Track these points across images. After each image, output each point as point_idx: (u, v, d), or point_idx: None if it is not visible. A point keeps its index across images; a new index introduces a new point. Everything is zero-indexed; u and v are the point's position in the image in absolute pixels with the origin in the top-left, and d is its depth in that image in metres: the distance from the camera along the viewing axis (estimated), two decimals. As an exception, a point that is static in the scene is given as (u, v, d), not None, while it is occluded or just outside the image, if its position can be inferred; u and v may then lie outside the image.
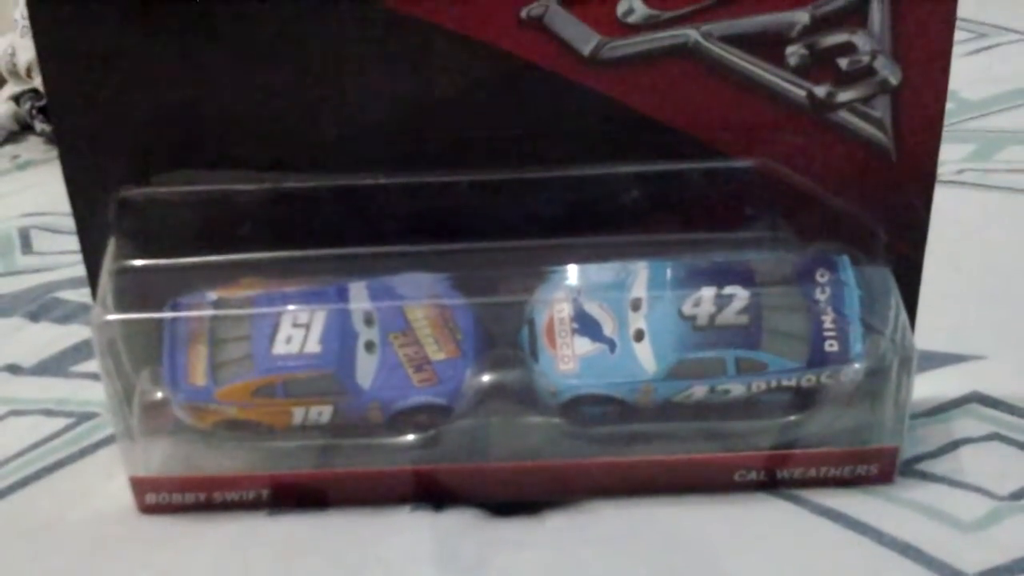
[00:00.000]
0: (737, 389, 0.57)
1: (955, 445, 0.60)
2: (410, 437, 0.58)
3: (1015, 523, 0.56)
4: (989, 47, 1.05)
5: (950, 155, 0.85)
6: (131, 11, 0.53)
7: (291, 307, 0.57)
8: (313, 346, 0.56)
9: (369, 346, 0.57)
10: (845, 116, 0.56)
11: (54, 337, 0.74)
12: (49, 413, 0.67)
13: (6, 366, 0.71)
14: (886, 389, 0.56)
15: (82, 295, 0.63)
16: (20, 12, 1.05)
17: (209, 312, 0.58)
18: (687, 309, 0.56)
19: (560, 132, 0.56)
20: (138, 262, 0.58)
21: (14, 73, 1.06)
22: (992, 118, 0.93)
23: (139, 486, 0.58)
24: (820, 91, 0.55)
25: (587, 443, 0.58)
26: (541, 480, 0.59)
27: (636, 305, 0.57)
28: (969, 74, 0.97)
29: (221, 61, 0.55)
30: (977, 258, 0.75)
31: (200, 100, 0.55)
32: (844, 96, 0.55)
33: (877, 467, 0.58)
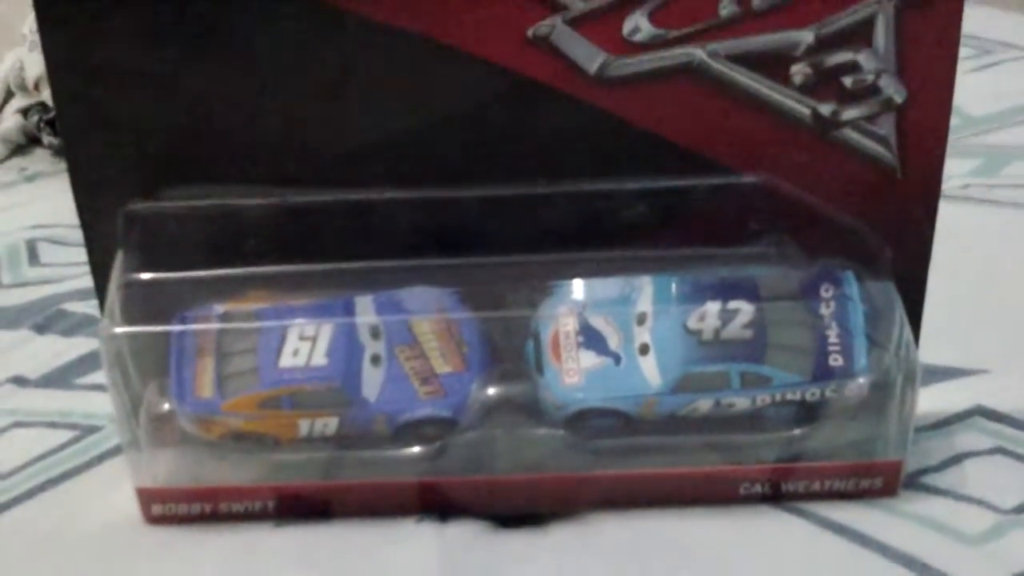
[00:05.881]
0: (742, 403, 0.57)
1: (959, 459, 0.61)
2: (416, 449, 0.58)
3: (1018, 536, 0.56)
4: (994, 63, 1.05)
5: (955, 170, 0.85)
6: (140, 26, 0.54)
7: (298, 320, 0.57)
8: (320, 359, 0.57)
9: (375, 359, 0.58)
10: (850, 134, 0.56)
11: (60, 349, 0.74)
12: (54, 425, 0.67)
13: (12, 378, 0.71)
14: (890, 403, 0.56)
15: (88, 307, 0.64)
16: (29, 27, 1.05)
17: (216, 325, 0.58)
18: (692, 323, 0.57)
19: (566, 149, 0.57)
20: (146, 275, 0.58)
21: (22, 87, 1.06)
22: (997, 134, 0.93)
23: (145, 497, 0.59)
24: (825, 109, 0.55)
25: (592, 456, 0.59)
26: (546, 492, 0.59)
27: (641, 319, 0.58)
28: (974, 90, 0.97)
29: (230, 77, 0.55)
30: (982, 272, 0.75)
31: (209, 115, 0.56)
32: (848, 114, 0.55)
33: (881, 480, 0.58)
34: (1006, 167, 0.89)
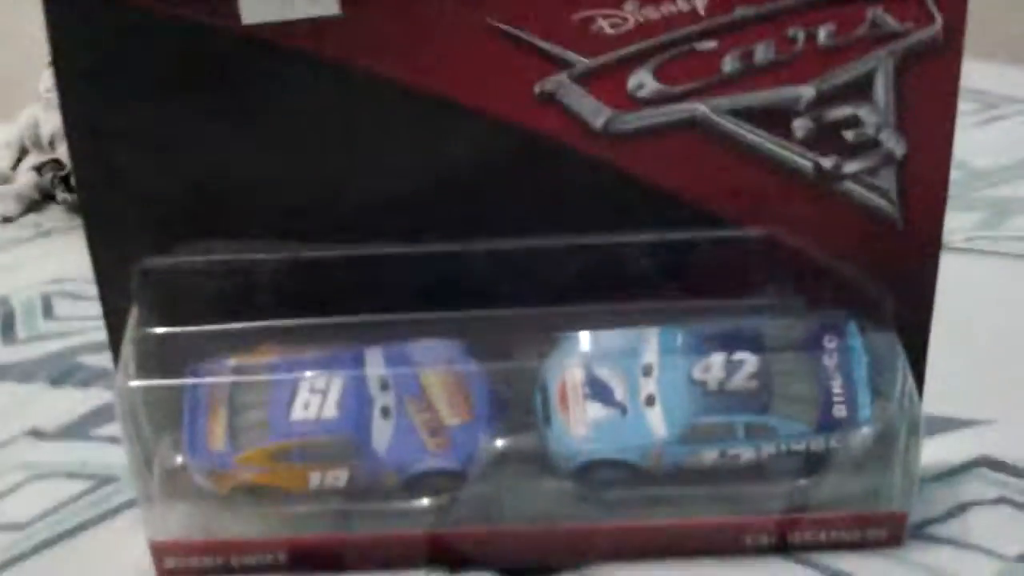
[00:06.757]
0: (747, 453, 0.57)
1: (963, 508, 0.61)
2: (425, 502, 0.59)
3: (1023, 586, 0.57)
4: (999, 118, 1.06)
5: (960, 223, 0.86)
6: (155, 87, 0.55)
7: (308, 373, 0.58)
8: (330, 411, 0.57)
9: (385, 411, 0.58)
10: (851, 187, 0.57)
11: (76, 401, 0.75)
12: (71, 476, 0.68)
13: (29, 430, 0.72)
14: (894, 454, 0.57)
15: (103, 360, 0.65)
16: (44, 86, 1.07)
17: (228, 378, 0.59)
18: (697, 375, 0.57)
19: (573, 203, 0.58)
20: (159, 330, 0.59)
21: (37, 144, 1.08)
22: (1001, 187, 0.94)
23: (159, 550, 0.59)
24: (826, 163, 0.56)
25: (600, 507, 0.59)
26: (555, 544, 0.59)
27: (647, 371, 0.58)
28: (979, 144, 0.98)
29: (242, 135, 0.56)
30: (987, 323, 0.76)
31: (221, 173, 0.57)
32: (850, 168, 0.56)
33: (886, 531, 0.59)
34: (1010, 220, 0.90)
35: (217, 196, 0.57)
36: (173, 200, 0.57)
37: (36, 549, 0.62)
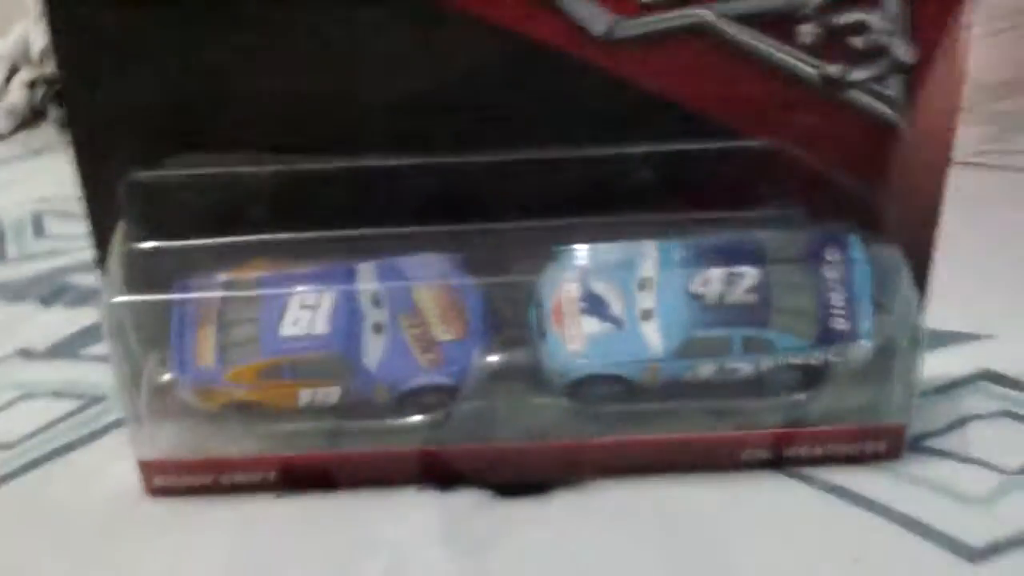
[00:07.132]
0: (745, 368, 0.57)
1: (963, 421, 0.61)
2: (417, 418, 0.58)
3: (1022, 497, 0.56)
4: (1006, 30, 1.05)
5: (968, 137, 0.85)
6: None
7: (299, 289, 0.57)
8: (321, 327, 0.56)
9: (377, 327, 0.57)
10: (857, 95, 0.55)
11: (66, 321, 0.74)
12: (59, 396, 0.67)
13: (19, 350, 0.72)
14: (894, 367, 0.56)
15: (94, 279, 0.64)
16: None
17: (218, 293, 0.58)
18: (696, 288, 0.56)
19: (573, 112, 0.56)
20: (147, 245, 0.57)
21: (28, 59, 1.06)
22: (1006, 101, 0.93)
23: (147, 468, 0.58)
24: (832, 70, 0.55)
25: (594, 422, 0.58)
26: (548, 460, 0.59)
27: (644, 284, 0.57)
28: (984, 58, 0.97)
29: (232, 45, 0.55)
30: (992, 239, 0.75)
31: (211, 84, 0.55)
32: (856, 75, 0.55)
33: (885, 444, 0.58)
34: (1020, 134, 0.89)
35: (207, 108, 0.56)
36: (162, 112, 0.56)
37: (25, 468, 0.62)
